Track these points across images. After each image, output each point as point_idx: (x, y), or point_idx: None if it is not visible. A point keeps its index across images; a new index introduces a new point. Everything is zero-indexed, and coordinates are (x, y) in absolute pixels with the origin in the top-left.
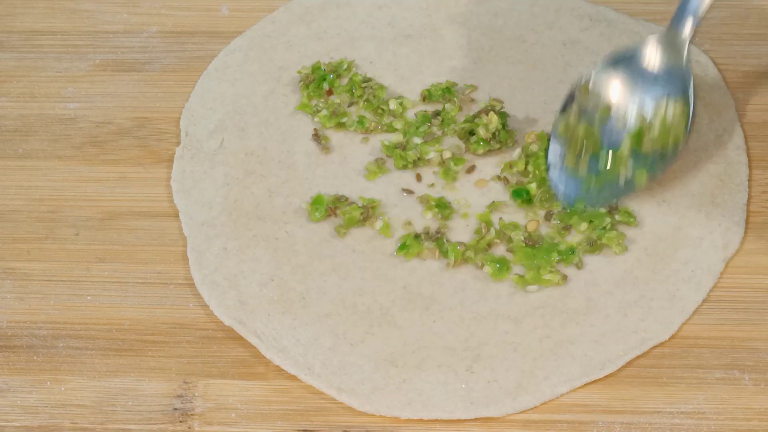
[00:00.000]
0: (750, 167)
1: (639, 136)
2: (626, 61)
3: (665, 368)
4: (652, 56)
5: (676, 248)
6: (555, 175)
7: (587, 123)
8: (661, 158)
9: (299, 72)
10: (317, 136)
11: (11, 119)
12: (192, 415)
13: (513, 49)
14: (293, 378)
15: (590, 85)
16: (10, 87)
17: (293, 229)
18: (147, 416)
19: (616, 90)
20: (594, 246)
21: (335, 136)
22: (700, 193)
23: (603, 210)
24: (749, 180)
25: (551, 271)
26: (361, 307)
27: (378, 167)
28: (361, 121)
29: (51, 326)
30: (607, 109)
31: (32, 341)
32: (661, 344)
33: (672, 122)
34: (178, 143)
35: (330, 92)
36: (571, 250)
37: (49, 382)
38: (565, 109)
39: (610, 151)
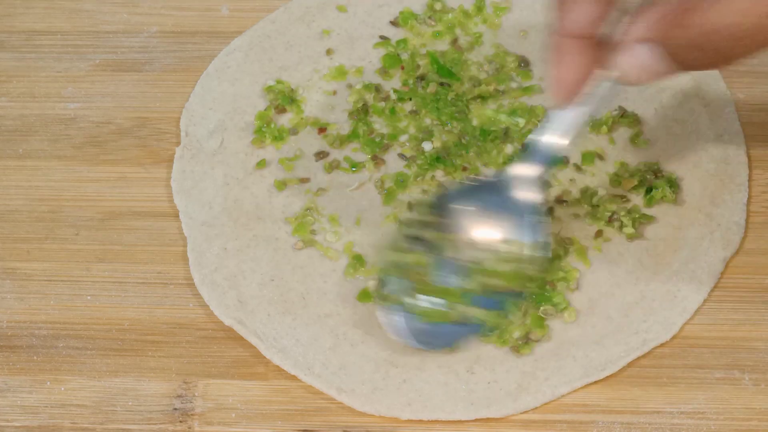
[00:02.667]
0: (750, 167)
1: (479, 275)
2: (487, 192)
3: (665, 368)
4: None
5: (677, 248)
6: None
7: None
8: (511, 297)
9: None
10: (321, 155)
11: (11, 119)
12: (192, 415)
13: (515, 46)
14: (293, 378)
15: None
16: (10, 87)
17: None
18: (147, 416)
19: (470, 223)
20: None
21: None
22: (700, 193)
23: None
24: (749, 180)
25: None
26: (361, 307)
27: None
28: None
29: (51, 326)
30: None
31: (32, 341)
32: (661, 344)
33: (525, 267)
34: (178, 143)
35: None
36: (561, 298)
37: (49, 382)
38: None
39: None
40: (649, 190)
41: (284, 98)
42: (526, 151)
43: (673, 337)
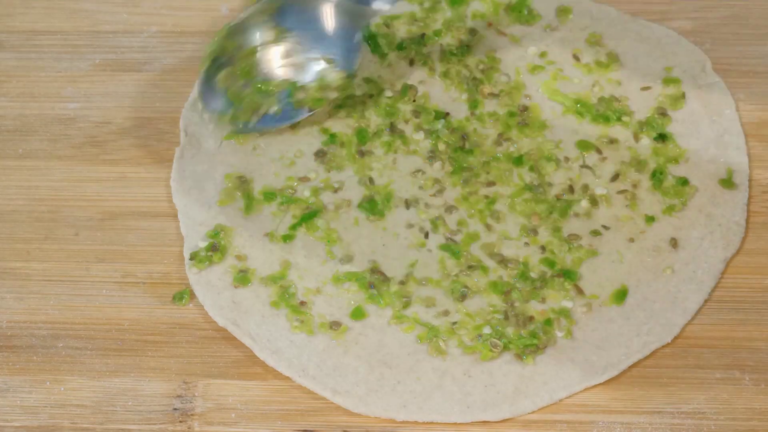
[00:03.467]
0: (750, 167)
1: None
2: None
3: (666, 368)
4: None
5: (677, 248)
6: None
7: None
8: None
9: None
10: (320, 154)
11: (11, 119)
12: (192, 415)
13: (514, 45)
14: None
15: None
16: (10, 87)
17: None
18: (147, 416)
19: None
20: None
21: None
22: (701, 193)
23: None
24: (749, 180)
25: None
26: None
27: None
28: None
29: (51, 326)
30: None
31: (32, 341)
32: (663, 345)
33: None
34: (178, 143)
35: None
36: (549, 322)
37: (48, 382)
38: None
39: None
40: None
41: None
42: None
43: (674, 338)
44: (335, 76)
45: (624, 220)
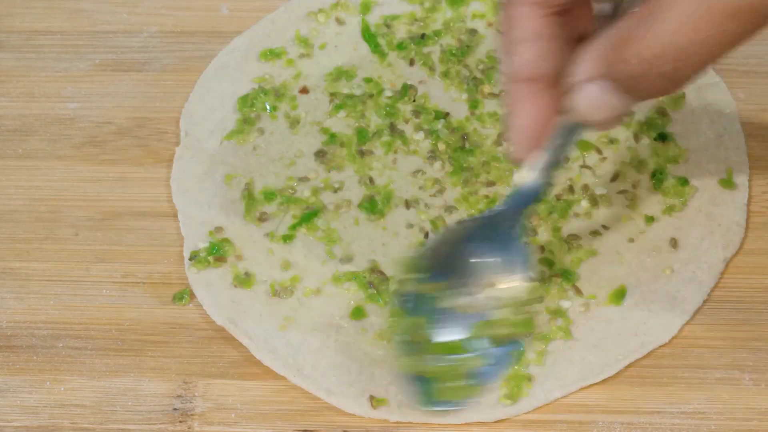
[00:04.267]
0: (750, 167)
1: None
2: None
3: (665, 368)
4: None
5: (677, 248)
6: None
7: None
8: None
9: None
10: (320, 154)
11: (11, 119)
12: (192, 415)
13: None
14: None
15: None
16: (10, 87)
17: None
18: (147, 416)
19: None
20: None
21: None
22: (700, 193)
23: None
24: (749, 180)
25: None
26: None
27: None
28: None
29: (51, 326)
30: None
31: (32, 341)
32: (661, 345)
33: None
34: (178, 143)
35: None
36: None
37: (48, 382)
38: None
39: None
40: (659, 173)
41: (265, 100)
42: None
43: (673, 338)
44: (522, 289)
45: (624, 220)
